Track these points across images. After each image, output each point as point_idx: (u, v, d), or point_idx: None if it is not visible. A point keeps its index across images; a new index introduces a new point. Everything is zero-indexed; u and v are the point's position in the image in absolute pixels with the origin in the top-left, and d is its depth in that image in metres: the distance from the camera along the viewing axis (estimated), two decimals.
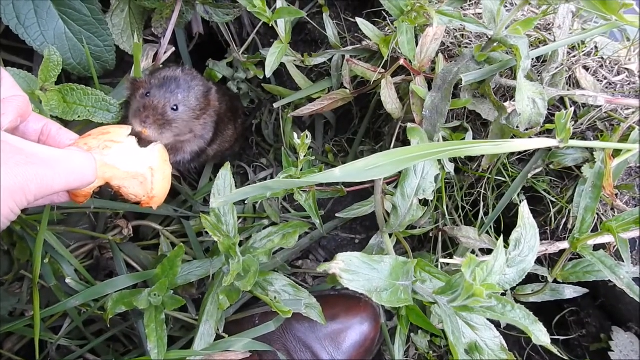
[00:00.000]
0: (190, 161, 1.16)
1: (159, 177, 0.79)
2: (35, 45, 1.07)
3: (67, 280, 1.08)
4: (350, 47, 1.21)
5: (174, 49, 1.23)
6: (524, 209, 0.82)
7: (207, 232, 0.99)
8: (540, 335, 0.74)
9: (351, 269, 0.72)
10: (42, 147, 0.64)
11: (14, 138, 0.61)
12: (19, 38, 1.07)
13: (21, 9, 1.04)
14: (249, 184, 1.46)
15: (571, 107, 1.07)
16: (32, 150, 0.61)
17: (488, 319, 0.80)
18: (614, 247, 1.02)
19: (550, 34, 1.09)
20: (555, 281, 1.05)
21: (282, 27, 1.09)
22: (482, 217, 1.15)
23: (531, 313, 0.76)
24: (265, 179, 1.48)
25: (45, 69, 0.96)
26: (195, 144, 1.12)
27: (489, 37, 0.95)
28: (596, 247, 0.96)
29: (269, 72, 1.08)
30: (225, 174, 1.02)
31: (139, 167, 0.78)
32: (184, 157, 1.12)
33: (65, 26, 1.08)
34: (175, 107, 0.96)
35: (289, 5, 1.06)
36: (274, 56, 1.07)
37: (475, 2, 1.14)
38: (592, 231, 0.93)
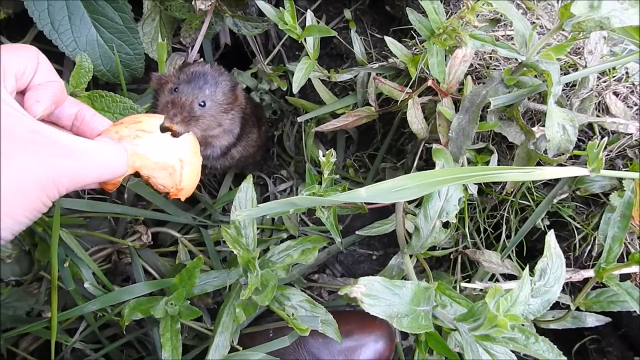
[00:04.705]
0: (219, 156, 1.16)
1: (188, 169, 0.78)
2: (68, 51, 1.08)
3: (86, 285, 1.08)
4: (376, 65, 1.20)
5: (201, 58, 1.24)
6: (551, 239, 0.80)
7: (224, 242, 0.98)
8: None
9: (373, 294, 0.71)
10: (75, 139, 0.63)
11: (47, 128, 0.60)
12: (49, 41, 1.08)
13: (55, 15, 1.06)
14: (268, 196, 1.46)
15: (600, 133, 1.06)
16: (64, 141, 0.60)
17: None
18: None
19: (580, 57, 1.08)
20: (577, 308, 1.03)
21: (311, 44, 1.09)
22: (504, 240, 1.14)
23: (555, 346, 0.74)
24: (284, 190, 1.48)
25: (77, 75, 0.97)
26: (225, 139, 1.11)
27: (519, 61, 0.94)
28: (621, 277, 0.94)
29: (296, 88, 1.08)
30: (247, 186, 1.02)
31: (168, 158, 0.76)
32: (214, 151, 1.12)
33: (98, 33, 1.09)
34: (202, 103, 0.95)
35: (317, 22, 1.05)
36: (302, 72, 1.07)
37: (504, 24, 1.13)
38: (618, 260, 0.91)
